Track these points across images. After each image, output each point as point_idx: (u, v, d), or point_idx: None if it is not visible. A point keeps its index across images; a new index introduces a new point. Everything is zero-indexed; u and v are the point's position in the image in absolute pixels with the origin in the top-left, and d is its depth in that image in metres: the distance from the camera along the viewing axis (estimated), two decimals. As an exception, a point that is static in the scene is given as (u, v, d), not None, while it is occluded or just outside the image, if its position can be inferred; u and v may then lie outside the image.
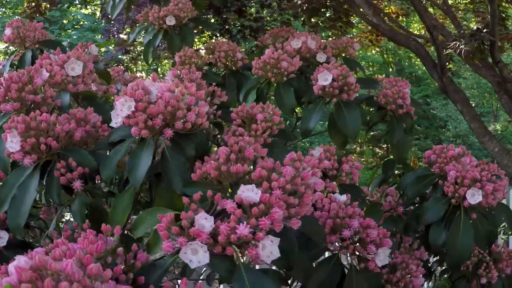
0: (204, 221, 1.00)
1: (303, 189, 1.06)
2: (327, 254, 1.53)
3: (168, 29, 2.38)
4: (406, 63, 14.45)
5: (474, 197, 1.64)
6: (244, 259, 1.05)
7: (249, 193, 1.02)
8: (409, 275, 1.68)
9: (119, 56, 7.65)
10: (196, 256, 0.98)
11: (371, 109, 2.09)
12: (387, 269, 1.71)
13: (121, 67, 3.00)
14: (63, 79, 1.59)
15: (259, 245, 0.99)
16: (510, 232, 3.80)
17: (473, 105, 6.53)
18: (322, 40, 2.23)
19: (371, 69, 14.82)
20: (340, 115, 1.84)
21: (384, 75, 14.28)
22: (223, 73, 2.24)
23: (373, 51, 12.67)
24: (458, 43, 4.15)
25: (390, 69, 15.15)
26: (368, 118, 2.01)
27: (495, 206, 1.74)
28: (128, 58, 7.73)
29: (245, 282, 1.01)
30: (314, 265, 1.45)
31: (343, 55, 2.32)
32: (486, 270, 2.07)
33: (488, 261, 2.10)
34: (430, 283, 2.39)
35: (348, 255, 1.45)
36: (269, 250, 1.01)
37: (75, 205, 1.32)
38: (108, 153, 1.35)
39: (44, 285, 0.76)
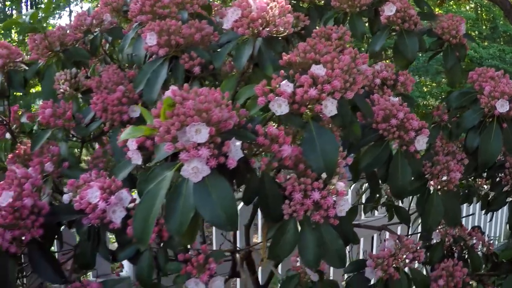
0: (287, 87, 1.47)
1: (356, 71, 1.50)
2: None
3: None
4: (501, 22, 13.97)
5: (503, 107, 1.98)
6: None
7: (318, 70, 1.47)
8: (448, 170, 2.07)
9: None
10: (280, 108, 1.45)
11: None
12: (430, 164, 2.12)
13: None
14: (183, 0, 2.09)
15: (322, 104, 1.44)
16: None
17: None
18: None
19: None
20: (401, 41, 2.24)
21: (477, 32, 13.87)
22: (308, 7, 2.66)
23: (467, 7, 12.26)
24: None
25: (484, 27, 14.69)
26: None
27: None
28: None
29: (312, 131, 1.48)
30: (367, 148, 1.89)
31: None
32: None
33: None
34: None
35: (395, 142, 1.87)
36: (330, 108, 1.46)
37: (192, 86, 1.83)
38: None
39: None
